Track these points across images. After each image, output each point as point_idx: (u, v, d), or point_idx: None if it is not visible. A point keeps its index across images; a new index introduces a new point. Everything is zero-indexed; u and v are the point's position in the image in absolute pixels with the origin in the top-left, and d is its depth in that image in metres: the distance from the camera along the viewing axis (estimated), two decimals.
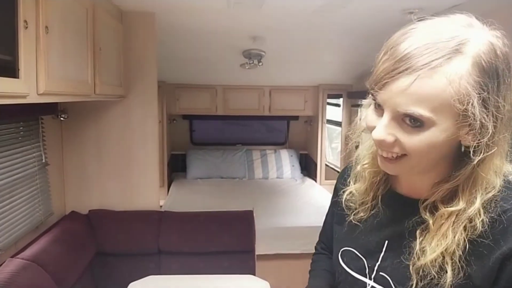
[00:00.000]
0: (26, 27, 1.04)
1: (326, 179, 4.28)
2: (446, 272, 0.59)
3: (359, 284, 0.72)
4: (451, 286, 0.59)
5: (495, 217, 0.59)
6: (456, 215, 0.61)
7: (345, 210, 0.78)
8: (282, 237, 2.81)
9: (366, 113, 0.66)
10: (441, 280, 0.60)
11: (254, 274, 2.12)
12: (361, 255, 0.74)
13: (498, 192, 0.60)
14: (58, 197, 2.18)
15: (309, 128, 4.58)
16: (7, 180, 1.65)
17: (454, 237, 0.60)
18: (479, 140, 0.57)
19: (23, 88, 1.05)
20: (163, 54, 2.62)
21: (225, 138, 4.77)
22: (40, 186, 1.95)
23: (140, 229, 2.20)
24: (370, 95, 0.63)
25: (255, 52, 2.93)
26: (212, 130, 4.85)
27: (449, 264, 0.60)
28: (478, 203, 0.60)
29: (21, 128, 1.78)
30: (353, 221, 0.76)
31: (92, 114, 2.26)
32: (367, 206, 0.74)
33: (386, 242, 0.70)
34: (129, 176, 2.33)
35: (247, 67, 3.05)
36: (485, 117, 0.56)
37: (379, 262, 0.70)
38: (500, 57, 0.57)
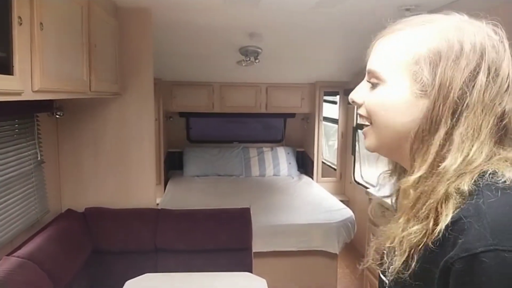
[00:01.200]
0: (21, 24, 1.03)
1: (322, 176, 4.30)
2: (395, 260, 0.58)
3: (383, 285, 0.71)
4: (398, 279, 0.58)
5: (448, 224, 0.53)
6: (413, 194, 0.58)
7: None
8: (279, 234, 2.81)
9: None
10: (390, 263, 0.61)
11: (251, 272, 2.12)
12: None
13: (468, 195, 0.54)
14: (54, 195, 2.17)
15: (305, 126, 4.58)
16: (2, 178, 1.64)
17: (408, 225, 0.57)
18: (428, 110, 0.58)
19: (17, 85, 1.04)
20: (159, 51, 2.60)
21: (222, 136, 4.77)
22: (36, 184, 1.94)
23: (137, 227, 2.20)
24: None
25: (252, 49, 2.92)
26: (209, 127, 4.84)
27: (401, 252, 0.57)
28: (420, 173, 0.57)
29: (16, 125, 1.76)
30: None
31: (88, 112, 2.25)
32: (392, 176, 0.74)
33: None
34: (125, 173, 2.32)
35: (243, 64, 3.04)
36: (430, 80, 0.57)
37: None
38: (468, 36, 0.58)
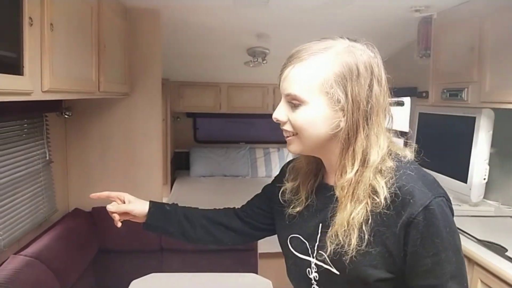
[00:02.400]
0: (31, 24, 1.04)
1: None
2: (351, 239, 0.73)
3: (305, 263, 0.84)
4: (363, 249, 0.73)
5: (394, 192, 0.73)
6: (347, 184, 0.76)
7: (283, 203, 0.91)
8: None
9: None
10: (348, 246, 0.73)
11: (256, 273, 2.12)
12: (304, 239, 0.86)
13: (394, 172, 0.75)
14: (62, 194, 2.19)
15: None
16: (11, 177, 1.65)
17: (355, 208, 0.74)
18: (347, 120, 0.75)
19: (27, 85, 1.05)
20: (167, 52, 2.61)
21: (228, 136, 4.77)
22: (44, 184, 1.95)
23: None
24: None
25: (260, 50, 2.92)
26: (216, 128, 4.84)
27: (354, 232, 0.73)
28: (355, 170, 0.75)
29: (25, 125, 1.78)
30: (292, 213, 0.87)
31: (96, 112, 2.26)
32: (301, 199, 0.87)
33: (320, 225, 0.83)
34: (132, 173, 2.33)
35: (251, 65, 3.04)
36: (342, 97, 0.74)
37: (317, 243, 0.82)
38: (359, 58, 0.76)
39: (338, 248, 0.75)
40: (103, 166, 2.31)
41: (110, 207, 1.03)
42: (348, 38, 0.80)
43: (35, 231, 1.86)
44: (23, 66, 1.03)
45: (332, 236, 0.76)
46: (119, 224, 1.04)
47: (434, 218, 0.71)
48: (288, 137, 0.81)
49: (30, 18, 1.03)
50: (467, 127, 2.06)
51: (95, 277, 2.13)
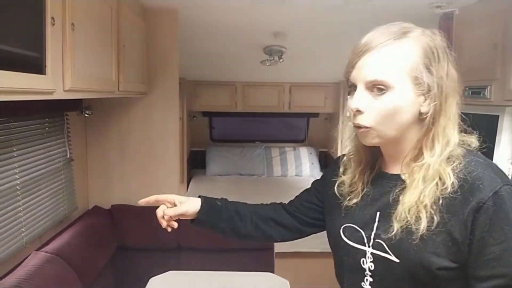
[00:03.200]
0: (53, 24, 1.05)
1: None
2: (421, 219, 0.72)
3: (360, 253, 0.83)
4: (429, 237, 0.72)
5: (462, 177, 0.73)
6: (424, 168, 0.75)
7: (339, 197, 0.90)
8: None
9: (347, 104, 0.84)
10: (417, 226, 0.72)
11: (273, 272, 2.11)
12: (359, 228, 0.84)
13: (463, 158, 0.75)
14: (82, 192, 2.22)
15: (329, 126, 4.53)
16: (33, 175, 1.69)
17: (425, 188, 0.74)
18: (430, 104, 0.75)
19: (50, 84, 1.07)
20: (183, 51, 2.62)
21: (244, 135, 4.78)
22: (65, 181, 1.99)
23: (161, 225, 2.22)
24: (348, 86, 0.82)
25: (276, 48, 2.90)
26: (232, 127, 4.85)
27: (423, 212, 0.72)
28: (437, 154, 0.75)
29: (46, 124, 1.81)
30: (348, 205, 0.87)
31: (115, 111, 2.29)
32: (357, 191, 0.86)
33: (378, 213, 0.82)
34: (150, 171, 2.35)
35: (267, 64, 3.02)
36: (431, 82, 0.74)
37: (374, 231, 0.81)
38: (436, 42, 0.76)
39: (401, 233, 0.74)
40: (122, 164, 2.34)
41: (165, 212, 1.01)
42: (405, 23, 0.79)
43: (56, 228, 1.90)
44: (45, 66, 1.04)
45: (399, 216, 0.74)
46: (170, 229, 1.04)
47: (504, 204, 0.69)
48: (361, 129, 0.78)
49: (52, 18, 1.04)
50: (490, 126, 2.00)
51: (114, 274, 2.16)
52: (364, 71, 0.75)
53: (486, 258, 0.70)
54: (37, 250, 1.65)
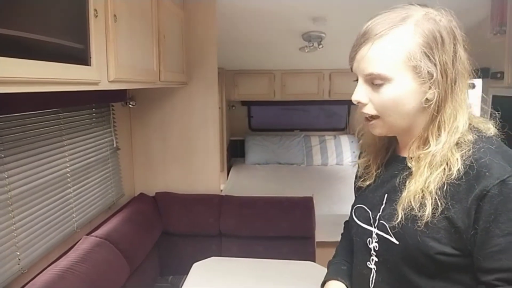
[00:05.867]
0: (96, 16, 1.08)
1: None
2: (426, 206, 0.71)
3: (367, 232, 0.85)
4: (431, 222, 0.71)
5: (469, 164, 0.70)
6: (430, 155, 0.74)
7: (356, 178, 0.95)
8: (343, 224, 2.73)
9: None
10: (422, 213, 0.71)
11: (314, 261, 2.09)
12: (368, 209, 0.86)
13: (472, 144, 0.72)
14: (128, 179, 2.32)
15: None
16: (83, 163, 1.78)
17: (431, 174, 0.73)
18: (435, 90, 0.72)
19: (95, 75, 1.10)
20: (221, 40, 2.63)
21: (283, 124, 4.74)
22: (112, 169, 2.07)
23: (202, 212, 2.27)
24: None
25: (315, 34, 2.82)
26: (270, 115, 4.83)
27: (428, 199, 0.71)
28: (443, 142, 0.73)
29: (94, 114, 1.89)
30: (362, 186, 0.90)
31: (156, 101, 2.35)
32: (371, 173, 0.88)
33: (386, 195, 0.83)
34: (191, 160, 2.40)
35: (306, 50, 2.96)
36: (433, 69, 0.71)
37: (380, 212, 0.82)
38: (440, 24, 0.72)
39: (405, 218, 0.74)
40: (164, 153, 2.40)
41: None
42: (418, 5, 0.75)
43: (104, 214, 1.99)
44: (90, 57, 1.07)
45: (403, 203, 0.74)
46: None
47: (510, 193, 0.66)
48: (369, 120, 0.79)
49: (95, 10, 1.07)
50: None
51: (159, 259, 2.24)
52: (361, 65, 0.75)
53: (491, 250, 0.67)
54: (87, 234, 1.74)
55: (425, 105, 0.74)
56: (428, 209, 0.71)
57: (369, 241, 0.83)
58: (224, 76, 3.80)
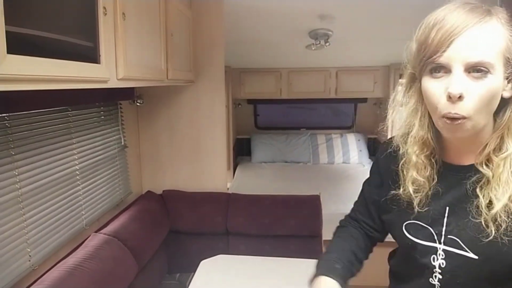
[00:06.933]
0: (105, 14, 1.08)
1: None
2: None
3: (430, 250, 0.79)
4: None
5: None
6: (507, 161, 0.70)
7: (406, 199, 0.83)
8: None
9: (412, 91, 0.79)
10: (509, 223, 0.67)
11: None
12: (426, 224, 0.80)
13: None
14: (135, 177, 2.33)
15: (378, 111, 4.35)
16: (92, 160, 1.79)
17: None
18: None
19: (104, 73, 1.11)
20: (228, 38, 2.63)
21: (289, 122, 4.74)
22: (120, 167, 2.09)
23: (210, 210, 2.27)
24: (420, 68, 0.73)
25: (322, 32, 2.81)
26: (276, 114, 4.83)
27: None
28: None
29: (102, 112, 1.90)
30: (411, 201, 0.81)
31: (164, 100, 2.35)
32: (424, 186, 0.80)
33: (447, 208, 0.78)
34: (198, 158, 2.41)
35: (313, 48, 2.94)
36: None
37: (444, 227, 0.77)
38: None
39: (504, 229, 0.69)
40: (171, 151, 2.41)
41: None
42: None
43: (112, 211, 2.01)
44: (99, 55, 1.07)
45: (497, 216, 0.69)
46: None
47: None
48: (457, 121, 0.69)
49: (104, 7, 1.07)
50: None
51: (166, 256, 2.25)
52: (466, 52, 0.66)
53: None
54: (96, 232, 1.75)
55: (497, 104, 0.70)
56: None
57: (434, 258, 0.79)
58: (231, 74, 3.80)
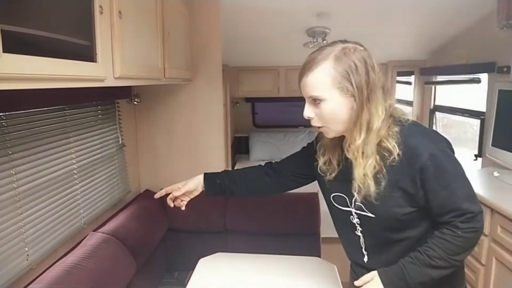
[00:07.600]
0: (102, 12, 1.08)
1: None
2: (370, 186, 1.01)
3: (348, 213, 1.13)
4: (388, 194, 1.01)
5: (403, 148, 0.99)
6: (359, 148, 1.01)
7: (322, 173, 1.17)
8: None
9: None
10: (370, 191, 1.01)
11: (319, 257, 2.09)
12: (344, 195, 1.13)
13: (400, 133, 1.00)
14: (134, 176, 2.33)
15: None
16: (90, 159, 1.79)
17: (367, 162, 1.00)
18: (356, 102, 0.99)
19: (100, 72, 1.10)
20: (225, 37, 2.62)
21: (287, 120, 4.73)
22: (118, 166, 2.08)
23: (208, 208, 2.28)
24: None
25: (320, 29, 2.82)
26: (274, 112, 4.82)
27: (370, 179, 1.01)
28: (362, 139, 1.00)
29: (99, 111, 1.90)
30: (330, 179, 1.15)
31: (161, 98, 2.35)
32: (333, 167, 1.14)
33: (353, 181, 1.06)
34: (196, 157, 2.41)
35: (311, 46, 2.95)
36: (352, 87, 0.98)
37: (354, 197, 1.09)
38: (354, 55, 0.98)
39: (365, 196, 1.03)
40: (169, 150, 2.41)
41: (173, 193, 1.46)
42: (340, 41, 1.02)
43: (111, 210, 2.01)
44: (96, 54, 1.07)
45: (356, 188, 1.03)
46: (184, 208, 1.46)
47: (439, 159, 0.97)
48: (320, 128, 1.07)
49: (100, 6, 1.07)
50: None
51: (165, 255, 2.25)
52: (306, 89, 1.03)
53: (439, 201, 0.99)
54: (94, 230, 1.75)
55: (350, 113, 1.00)
56: (372, 188, 1.00)
57: (352, 218, 1.13)
58: (228, 73, 3.80)
